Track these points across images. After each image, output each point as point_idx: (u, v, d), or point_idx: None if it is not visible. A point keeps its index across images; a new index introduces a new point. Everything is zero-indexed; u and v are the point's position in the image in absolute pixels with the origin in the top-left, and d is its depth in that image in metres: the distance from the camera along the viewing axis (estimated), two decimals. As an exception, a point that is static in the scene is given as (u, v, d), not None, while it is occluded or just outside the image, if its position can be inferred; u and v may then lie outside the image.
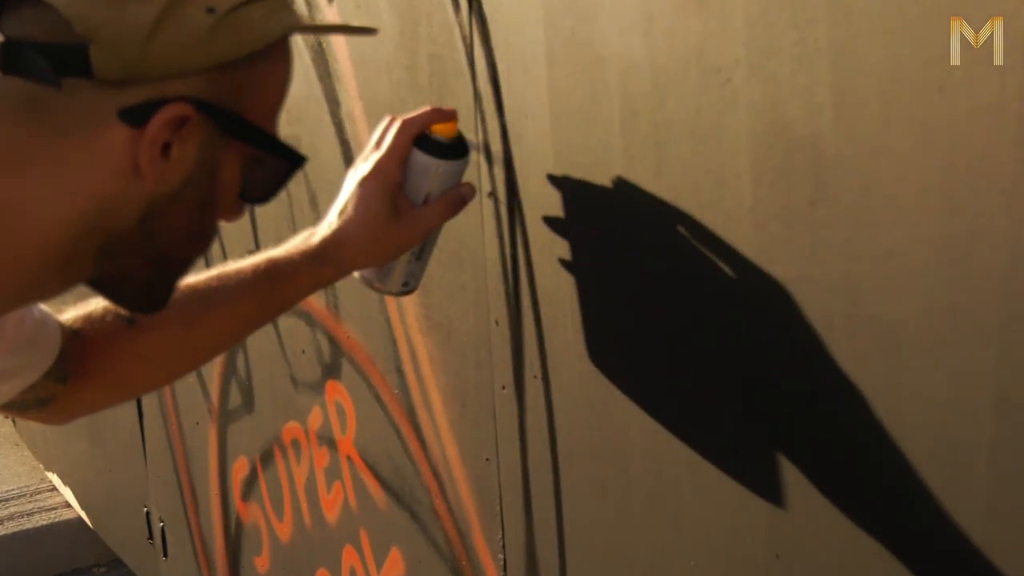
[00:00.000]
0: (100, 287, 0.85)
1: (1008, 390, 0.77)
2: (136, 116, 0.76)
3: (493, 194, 1.28)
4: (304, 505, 1.93)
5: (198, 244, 0.86)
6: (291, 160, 0.86)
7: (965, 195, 0.77)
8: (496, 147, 1.26)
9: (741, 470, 1.00)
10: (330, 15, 1.57)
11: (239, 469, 2.22)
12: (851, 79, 0.84)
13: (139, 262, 0.82)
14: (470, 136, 1.31)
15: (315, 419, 1.84)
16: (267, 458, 2.06)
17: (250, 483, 2.17)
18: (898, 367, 0.84)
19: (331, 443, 1.80)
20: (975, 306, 0.78)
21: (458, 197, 1.10)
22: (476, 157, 1.30)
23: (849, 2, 0.83)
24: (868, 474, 0.88)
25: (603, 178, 1.10)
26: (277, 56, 0.83)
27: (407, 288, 1.15)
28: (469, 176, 1.32)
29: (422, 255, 1.14)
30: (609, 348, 1.15)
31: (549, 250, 1.20)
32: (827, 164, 0.86)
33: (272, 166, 0.86)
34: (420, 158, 1.07)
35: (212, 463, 2.36)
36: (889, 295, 0.84)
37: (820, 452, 0.92)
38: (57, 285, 0.82)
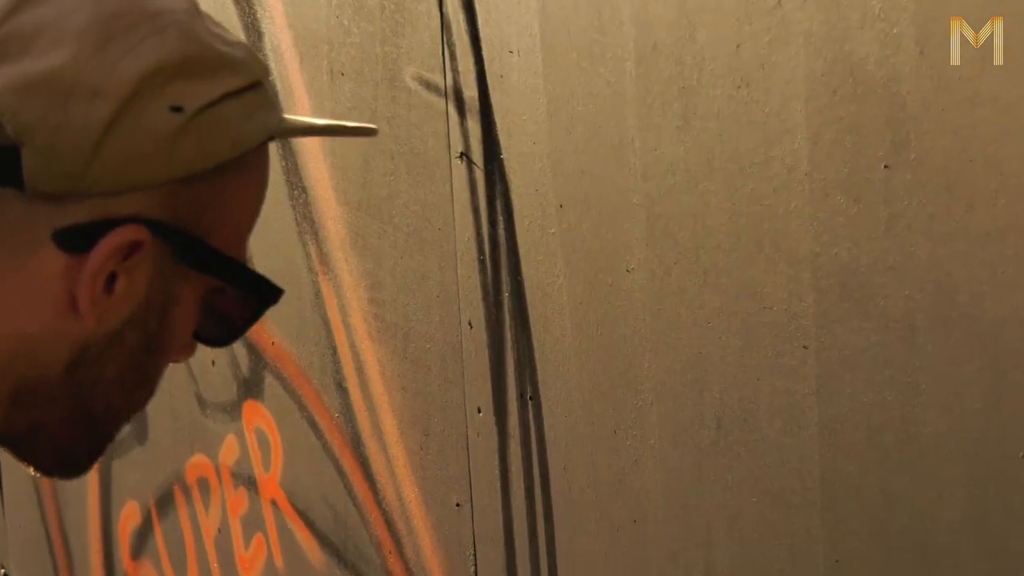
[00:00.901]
0: (7, 443, 0.86)
1: None
2: (76, 241, 0.77)
3: (466, 155, 1.28)
4: (214, 565, 1.93)
5: (136, 396, 0.86)
6: (264, 294, 0.87)
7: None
8: (470, 93, 1.26)
9: (793, 522, 1.01)
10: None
11: (128, 517, 2.21)
12: (940, 3, 0.84)
13: (59, 416, 0.83)
14: (435, 79, 1.30)
15: (229, 452, 1.84)
16: (165, 503, 2.05)
17: (143, 536, 2.16)
18: (998, 379, 0.84)
19: (250, 483, 1.80)
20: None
21: None
22: (444, 107, 1.30)
23: (937, -98, 0.83)
24: (963, 515, 0.88)
25: (612, 134, 1.10)
26: (252, 165, 0.83)
27: None
28: (434, 128, 1.32)
29: None
30: (621, 359, 1.15)
31: (540, 227, 1.20)
32: (908, 115, 0.86)
33: (238, 300, 0.86)
34: None
35: (92, 510, 2.35)
36: (988, 288, 0.84)
37: (900, 487, 0.92)
38: None
